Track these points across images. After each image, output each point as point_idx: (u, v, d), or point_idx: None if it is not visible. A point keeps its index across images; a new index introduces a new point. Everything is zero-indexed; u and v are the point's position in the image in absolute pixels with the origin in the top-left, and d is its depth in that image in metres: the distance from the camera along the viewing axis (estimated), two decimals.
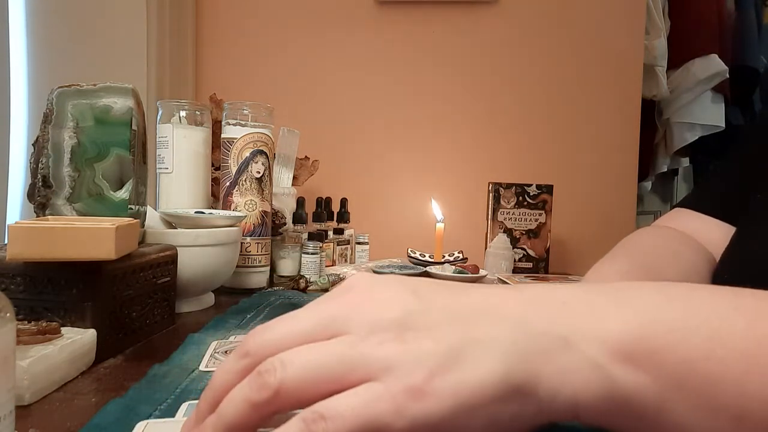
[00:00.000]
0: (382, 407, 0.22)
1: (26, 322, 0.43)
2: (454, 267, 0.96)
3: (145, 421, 0.34)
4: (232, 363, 0.26)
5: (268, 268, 0.84)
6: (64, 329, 0.44)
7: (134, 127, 0.58)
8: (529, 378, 0.23)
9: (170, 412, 0.35)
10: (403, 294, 0.26)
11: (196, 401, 0.36)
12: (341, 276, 0.87)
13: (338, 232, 1.09)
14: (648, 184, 1.86)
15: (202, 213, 0.73)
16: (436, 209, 1.07)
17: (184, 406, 0.36)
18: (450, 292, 0.27)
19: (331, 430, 0.22)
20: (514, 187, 1.13)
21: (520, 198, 1.12)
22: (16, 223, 0.44)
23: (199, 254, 0.66)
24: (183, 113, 0.81)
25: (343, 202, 1.15)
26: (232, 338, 0.54)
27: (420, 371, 0.22)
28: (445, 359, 0.23)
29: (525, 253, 1.13)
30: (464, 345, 0.23)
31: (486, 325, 0.25)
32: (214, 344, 0.51)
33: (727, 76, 1.64)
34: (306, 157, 1.16)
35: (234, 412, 0.24)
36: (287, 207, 1.00)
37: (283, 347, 0.25)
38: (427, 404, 0.22)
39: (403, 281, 0.28)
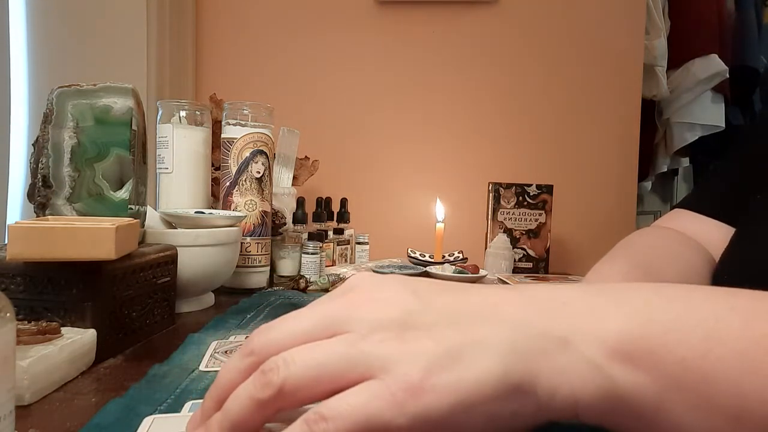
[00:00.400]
0: (382, 405, 0.22)
1: (26, 322, 0.43)
2: (454, 267, 0.96)
3: (152, 417, 0.34)
4: (237, 361, 0.26)
5: (268, 268, 0.84)
6: (64, 329, 0.44)
7: (134, 127, 0.58)
8: (527, 377, 0.23)
9: (171, 412, 0.35)
10: (403, 294, 0.27)
11: (199, 400, 0.37)
12: (341, 276, 0.88)
13: (338, 232, 1.09)
14: (648, 184, 1.86)
15: (202, 213, 0.73)
16: (440, 209, 1.07)
17: (188, 405, 0.37)
18: (450, 293, 0.27)
19: (331, 429, 0.22)
20: (514, 187, 1.13)
21: (520, 198, 1.12)
22: (16, 223, 0.44)
23: (199, 254, 0.66)
24: (183, 113, 0.81)
25: (343, 202, 1.15)
26: (232, 338, 0.54)
27: (419, 369, 0.23)
28: (444, 358, 0.23)
29: (525, 253, 1.13)
30: (463, 345, 0.24)
31: (485, 325, 0.25)
32: (214, 344, 0.51)
33: (727, 76, 1.64)
34: (306, 157, 1.16)
35: (239, 410, 0.25)
36: (287, 207, 1.00)
37: (287, 346, 0.25)
38: (426, 401, 0.22)
39: (403, 281, 0.28)
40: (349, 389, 0.23)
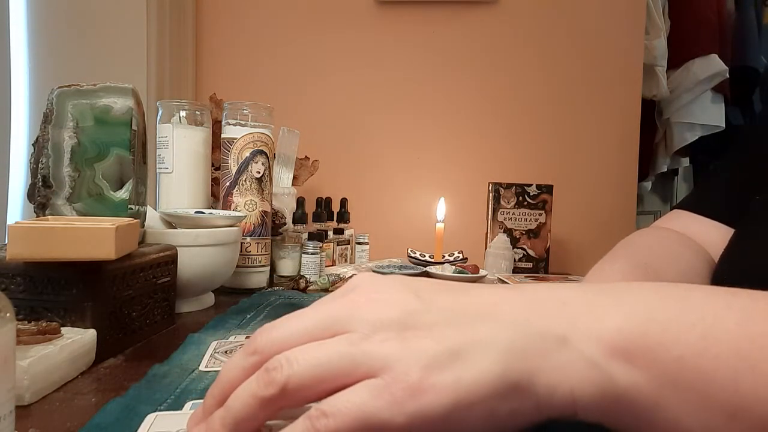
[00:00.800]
0: (381, 404, 0.23)
1: (26, 322, 0.43)
2: (454, 267, 0.96)
3: (154, 414, 0.34)
4: (240, 360, 0.27)
5: (268, 268, 0.84)
6: (64, 329, 0.44)
7: (134, 127, 0.58)
8: (526, 375, 0.24)
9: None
10: (404, 294, 0.27)
11: (200, 400, 0.37)
12: (341, 276, 0.87)
13: (338, 232, 1.09)
14: (648, 184, 1.86)
15: (202, 213, 0.73)
16: (441, 209, 1.07)
17: (188, 404, 0.37)
18: (451, 293, 0.27)
19: (332, 426, 0.22)
20: (514, 187, 1.13)
21: (520, 198, 1.12)
22: (16, 223, 0.44)
23: (199, 254, 0.66)
24: (183, 113, 0.81)
25: (343, 202, 1.15)
26: (232, 338, 0.54)
27: (419, 368, 0.23)
28: (444, 358, 0.23)
29: (525, 253, 1.13)
30: (463, 345, 0.24)
31: (485, 325, 0.25)
32: (214, 344, 0.51)
33: (727, 76, 1.64)
34: (306, 157, 1.16)
35: (241, 407, 0.25)
36: (287, 207, 1.00)
37: (289, 345, 0.25)
38: (425, 400, 0.23)
39: (405, 281, 0.28)
40: (350, 387, 0.24)
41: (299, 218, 0.99)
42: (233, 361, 0.27)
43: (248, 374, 0.26)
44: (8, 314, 0.26)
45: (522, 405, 0.24)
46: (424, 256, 1.03)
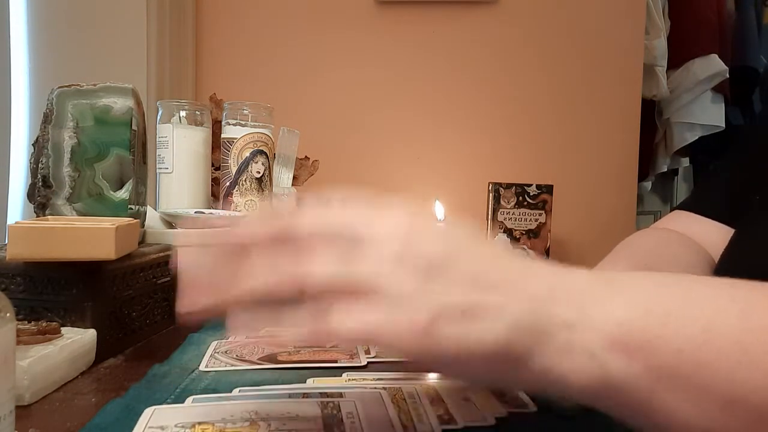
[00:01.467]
0: (389, 328, 0.24)
1: (26, 322, 0.43)
2: None
3: (153, 408, 0.34)
4: (262, 226, 0.28)
5: None
6: (64, 329, 0.44)
7: (134, 127, 0.58)
8: (526, 352, 0.24)
9: None
10: (449, 240, 0.27)
11: (201, 395, 0.37)
12: None
13: None
14: (648, 184, 1.86)
15: (202, 213, 0.73)
16: (439, 209, 1.07)
17: (190, 399, 0.37)
18: (485, 257, 0.27)
19: (335, 329, 0.24)
20: (514, 187, 1.13)
21: (520, 198, 1.12)
22: (16, 223, 0.44)
23: None
24: (183, 113, 0.81)
25: None
26: (232, 338, 0.54)
27: (428, 313, 0.24)
28: (455, 312, 0.24)
29: (525, 253, 1.13)
30: (475, 308, 0.25)
31: (502, 296, 0.25)
32: (214, 344, 0.51)
33: (727, 76, 1.64)
34: (306, 157, 1.16)
35: (263, 282, 0.26)
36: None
37: (323, 242, 0.26)
38: (426, 342, 0.24)
39: (447, 235, 0.28)
40: (362, 301, 0.24)
41: None
42: (254, 220, 0.29)
43: (268, 238, 0.27)
44: (8, 314, 0.26)
45: (518, 373, 0.25)
46: None
